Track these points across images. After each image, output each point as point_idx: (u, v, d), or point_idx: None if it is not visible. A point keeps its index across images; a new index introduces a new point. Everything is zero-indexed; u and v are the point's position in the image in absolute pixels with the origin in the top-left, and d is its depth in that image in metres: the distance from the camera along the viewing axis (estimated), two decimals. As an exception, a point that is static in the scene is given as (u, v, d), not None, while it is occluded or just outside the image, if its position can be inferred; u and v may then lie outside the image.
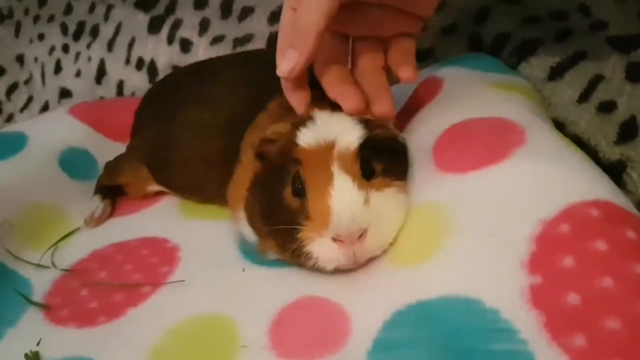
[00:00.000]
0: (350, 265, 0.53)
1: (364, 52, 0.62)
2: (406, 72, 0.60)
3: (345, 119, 0.57)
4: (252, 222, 0.60)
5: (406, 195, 0.56)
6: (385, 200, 0.54)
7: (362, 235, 0.51)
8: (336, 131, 0.55)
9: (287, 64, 0.56)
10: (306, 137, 0.55)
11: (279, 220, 0.54)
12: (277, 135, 0.56)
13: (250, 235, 0.61)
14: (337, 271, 0.54)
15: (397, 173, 0.57)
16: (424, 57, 0.88)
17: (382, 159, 0.56)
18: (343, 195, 0.52)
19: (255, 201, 0.59)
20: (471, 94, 0.65)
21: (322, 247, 0.52)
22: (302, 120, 0.57)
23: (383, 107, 0.60)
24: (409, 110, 0.71)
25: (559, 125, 0.69)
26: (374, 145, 0.55)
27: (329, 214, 0.51)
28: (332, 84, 0.60)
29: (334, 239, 0.51)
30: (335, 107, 0.59)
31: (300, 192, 0.54)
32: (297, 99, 0.60)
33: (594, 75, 0.69)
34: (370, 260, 0.54)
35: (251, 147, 0.60)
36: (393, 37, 0.62)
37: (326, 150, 0.54)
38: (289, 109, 0.61)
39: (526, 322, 0.41)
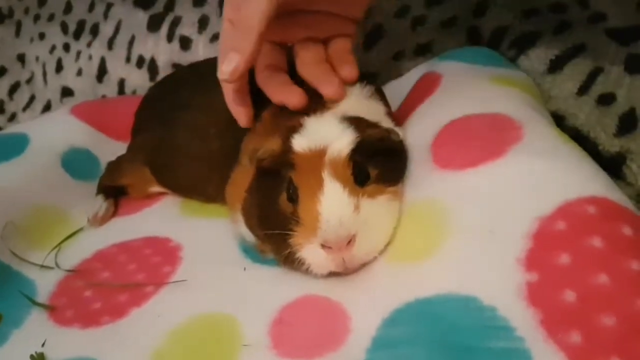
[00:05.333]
0: (341, 271, 0.54)
1: (303, 50, 0.65)
2: (348, 71, 0.64)
3: (334, 122, 0.57)
4: (249, 225, 0.60)
5: (399, 202, 0.56)
6: (376, 208, 0.54)
7: (350, 242, 0.52)
8: (327, 137, 0.55)
9: (228, 65, 0.57)
10: (299, 143, 0.55)
11: (273, 226, 0.55)
12: (270, 153, 0.56)
13: (248, 235, 0.62)
14: (335, 272, 0.54)
15: (393, 177, 0.57)
16: (422, 51, 0.88)
17: (377, 163, 0.56)
18: (332, 201, 0.52)
19: (252, 205, 0.59)
20: (470, 90, 0.65)
21: (311, 254, 0.53)
22: (294, 129, 0.57)
23: (330, 89, 0.62)
24: (408, 106, 0.71)
25: (559, 118, 0.68)
26: (367, 148, 0.55)
27: (317, 221, 0.51)
28: (275, 89, 0.63)
29: (323, 246, 0.52)
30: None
31: (293, 198, 0.55)
32: (240, 113, 0.64)
33: (593, 68, 0.68)
34: (364, 263, 0.54)
35: (248, 153, 0.60)
36: (330, 38, 0.66)
37: (318, 156, 0.54)
38: (282, 118, 0.61)
39: (523, 320, 0.41)
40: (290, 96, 0.61)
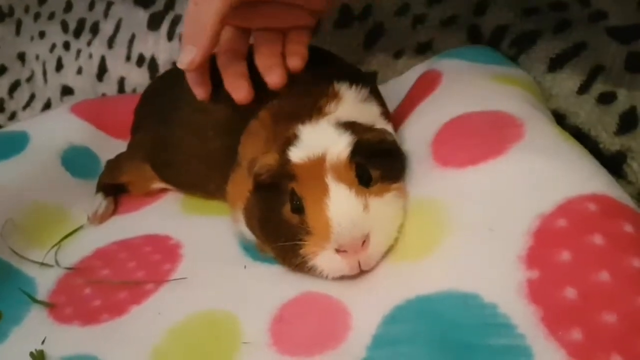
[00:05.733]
0: (355, 273, 0.53)
1: (261, 40, 0.68)
2: (293, 61, 0.65)
3: (330, 128, 0.57)
4: (250, 227, 0.60)
5: (405, 199, 0.56)
6: (385, 206, 0.53)
7: (365, 242, 0.51)
8: (324, 143, 0.54)
9: (185, 57, 0.62)
10: (297, 154, 0.55)
11: (280, 237, 0.54)
12: (267, 168, 0.56)
13: (249, 234, 0.62)
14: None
15: (395, 176, 0.57)
16: (422, 50, 0.88)
17: (377, 163, 0.55)
18: (340, 204, 0.51)
19: (254, 212, 0.59)
20: (470, 88, 0.65)
21: (326, 260, 0.52)
22: (289, 140, 0.57)
23: (272, 78, 0.64)
24: (408, 104, 0.71)
25: (560, 117, 0.68)
26: (365, 150, 0.55)
27: (329, 226, 0.51)
28: (228, 78, 0.66)
29: (338, 250, 0.51)
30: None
31: (298, 208, 0.54)
32: (200, 91, 0.68)
33: (594, 66, 0.68)
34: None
35: (247, 160, 0.60)
36: (290, 29, 0.68)
37: (318, 163, 0.53)
38: (280, 125, 0.61)
39: (524, 317, 0.41)
40: (237, 90, 0.65)
